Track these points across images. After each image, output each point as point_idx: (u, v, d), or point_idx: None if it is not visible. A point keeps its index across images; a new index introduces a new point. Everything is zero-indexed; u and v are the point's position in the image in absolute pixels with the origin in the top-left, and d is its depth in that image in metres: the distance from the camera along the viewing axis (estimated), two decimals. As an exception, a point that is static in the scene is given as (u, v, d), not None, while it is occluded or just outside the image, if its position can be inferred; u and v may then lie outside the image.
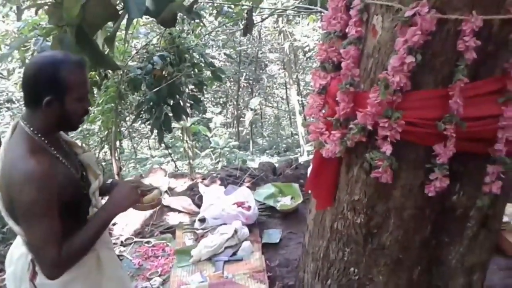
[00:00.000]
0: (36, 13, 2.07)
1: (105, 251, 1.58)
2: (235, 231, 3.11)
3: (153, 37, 4.75)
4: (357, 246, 1.43)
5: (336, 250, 1.50)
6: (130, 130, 7.65)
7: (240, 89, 13.69)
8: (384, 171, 1.25)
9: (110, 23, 2.22)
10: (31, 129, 1.38)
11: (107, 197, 1.65)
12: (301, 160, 4.99)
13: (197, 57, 4.97)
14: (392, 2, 1.15)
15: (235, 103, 13.47)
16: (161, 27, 5.10)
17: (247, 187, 3.70)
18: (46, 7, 2.05)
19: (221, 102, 12.43)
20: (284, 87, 16.46)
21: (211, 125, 8.40)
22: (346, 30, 1.30)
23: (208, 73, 5.12)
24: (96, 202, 1.56)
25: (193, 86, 5.02)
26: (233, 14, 3.87)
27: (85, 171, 1.59)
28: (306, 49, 9.15)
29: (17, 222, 1.38)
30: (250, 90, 14.83)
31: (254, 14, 3.88)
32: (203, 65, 4.99)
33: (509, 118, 1.19)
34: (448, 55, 1.14)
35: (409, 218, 1.36)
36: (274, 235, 3.24)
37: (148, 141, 12.51)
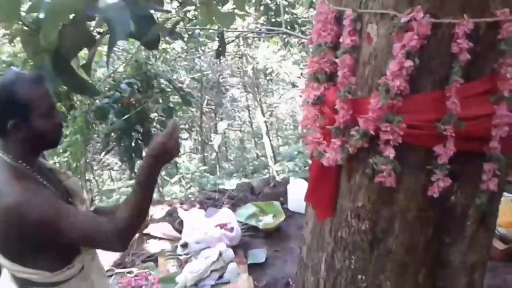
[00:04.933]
0: (11, 42, 2.00)
1: (99, 278, 1.53)
2: (220, 254, 3.07)
3: (119, 65, 4.69)
4: (363, 253, 1.43)
5: (342, 259, 1.49)
6: (93, 161, 7.43)
7: (203, 115, 13.68)
8: (388, 175, 1.27)
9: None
10: (10, 156, 1.33)
11: None
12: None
13: (165, 83, 4.94)
14: (387, 10, 1.19)
15: (198, 129, 13.43)
16: (126, 55, 5.07)
17: (228, 208, 3.67)
18: (20, 37, 2.00)
19: (186, 128, 12.34)
20: (247, 110, 16.59)
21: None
22: (340, 40, 1.33)
23: (176, 98, 5.09)
24: None
25: (162, 113, 4.97)
26: (200, 38, 3.89)
27: (71, 197, 1.54)
28: (269, 71, 9.28)
29: (5, 255, 1.31)
30: (213, 114, 14.84)
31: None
32: (170, 90, 4.96)
33: (501, 116, 1.24)
34: (444, 57, 1.19)
35: (413, 221, 1.38)
36: (259, 254, 3.21)
37: (110, 172, 12.20)
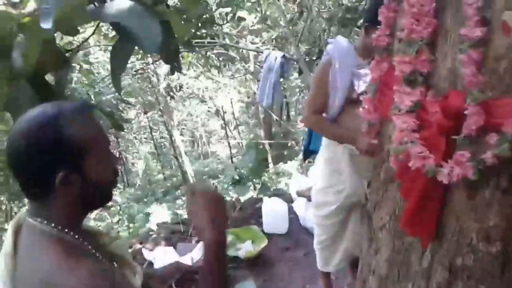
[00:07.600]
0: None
1: None
2: (209, 296, 2.66)
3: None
4: (493, 279, 1.23)
5: (467, 291, 1.27)
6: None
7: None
8: (535, 186, 1.09)
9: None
10: (52, 225, 0.92)
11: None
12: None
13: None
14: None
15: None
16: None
17: (198, 241, 3.26)
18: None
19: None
20: (149, 130, 15.94)
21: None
22: (462, 33, 1.11)
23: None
24: None
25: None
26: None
27: (118, 265, 1.14)
28: (178, 87, 8.91)
29: None
30: (115, 140, 13.95)
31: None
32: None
33: None
34: None
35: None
36: (249, 289, 2.87)
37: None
